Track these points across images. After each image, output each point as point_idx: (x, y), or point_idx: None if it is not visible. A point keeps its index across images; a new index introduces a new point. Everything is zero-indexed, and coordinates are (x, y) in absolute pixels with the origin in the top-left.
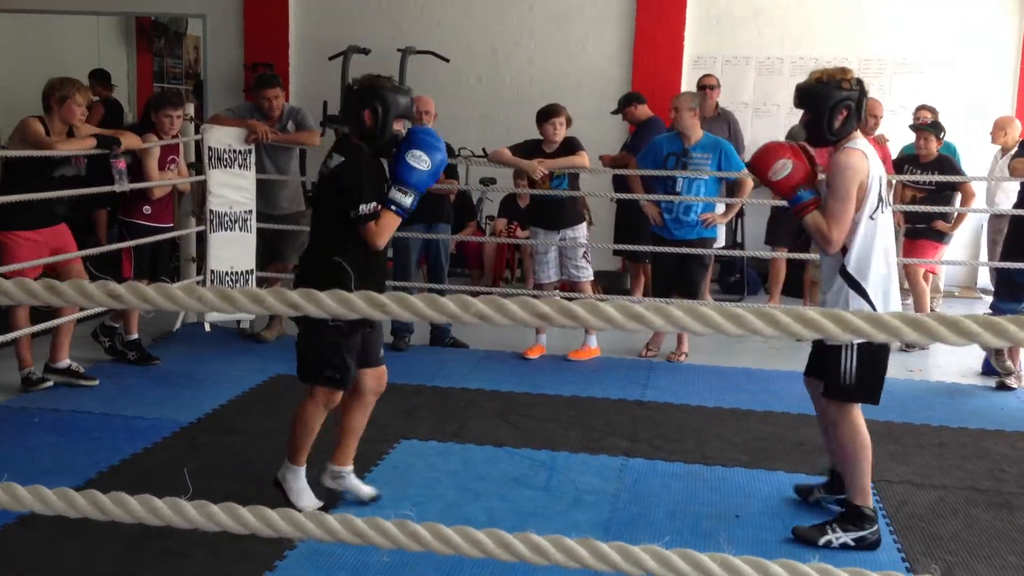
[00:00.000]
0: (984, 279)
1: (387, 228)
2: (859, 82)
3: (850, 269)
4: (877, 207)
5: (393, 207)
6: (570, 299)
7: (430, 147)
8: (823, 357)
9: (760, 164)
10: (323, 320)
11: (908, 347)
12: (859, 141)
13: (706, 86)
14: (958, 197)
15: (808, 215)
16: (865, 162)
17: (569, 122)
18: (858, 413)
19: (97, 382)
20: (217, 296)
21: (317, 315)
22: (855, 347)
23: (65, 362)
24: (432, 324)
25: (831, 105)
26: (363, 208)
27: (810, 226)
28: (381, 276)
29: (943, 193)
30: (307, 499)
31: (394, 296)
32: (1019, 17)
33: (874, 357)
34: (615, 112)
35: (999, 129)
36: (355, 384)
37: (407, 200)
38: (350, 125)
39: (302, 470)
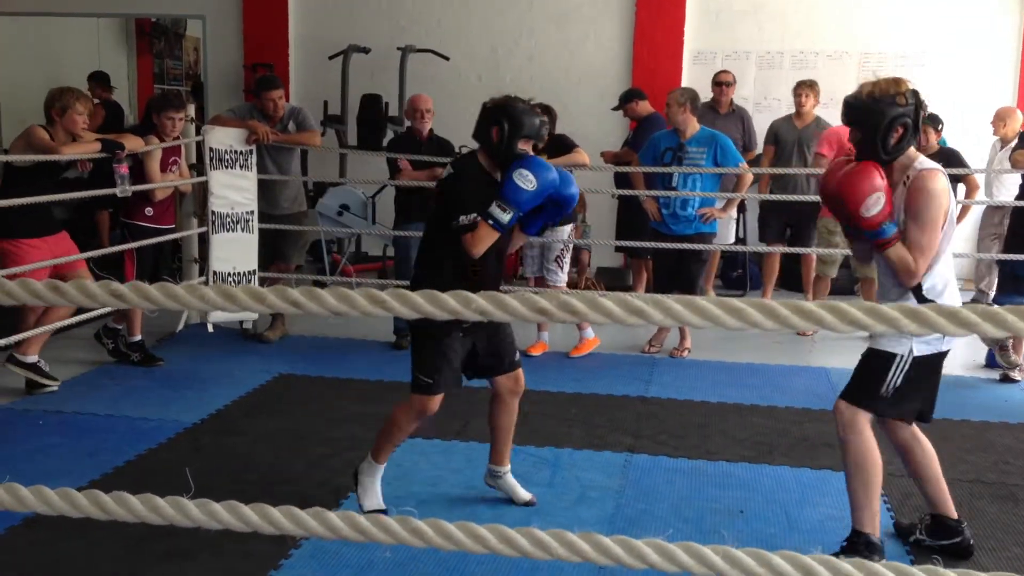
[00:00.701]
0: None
1: (480, 240)
2: (915, 94)
3: (927, 294)
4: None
5: (490, 221)
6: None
7: (541, 168)
8: (866, 361)
9: (850, 196)
10: (422, 327)
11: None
12: (925, 160)
13: (722, 83)
14: (960, 189)
15: (891, 249)
16: (947, 184)
17: (554, 120)
18: (868, 424)
19: (57, 386)
20: (219, 294)
21: (317, 312)
22: (910, 361)
23: (33, 357)
24: None
25: (885, 123)
26: (462, 219)
27: (894, 261)
28: (489, 283)
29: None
30: (371, 499)
31: (394, 293)
32: (1019, 12)
33: (923, 375)
34: (616, 108)
35: (999, 119)
36: (494, 388)
37: (505, 216)
38: (479, 140)
39: (380, 468)
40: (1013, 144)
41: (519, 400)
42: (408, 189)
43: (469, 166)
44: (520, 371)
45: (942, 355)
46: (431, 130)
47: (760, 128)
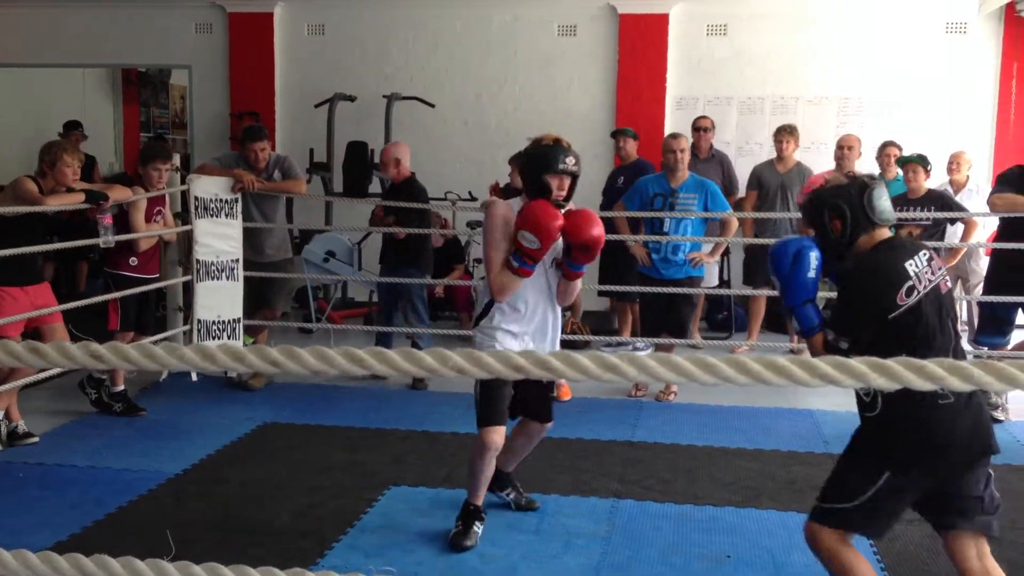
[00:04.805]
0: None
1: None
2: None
3: None
4: None
5: (515, 263)
6: None
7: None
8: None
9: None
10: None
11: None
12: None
13: (700, 128)
14: (956, 230)
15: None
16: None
17: None
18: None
19: (38, 438)
20: (198, 354)
21: (296, 371)
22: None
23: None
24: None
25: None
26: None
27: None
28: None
29: (939, 228)
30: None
31: (372, 351)
32: (996, 57)
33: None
34: (613, 135)
35: (954, 163)
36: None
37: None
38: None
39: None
40: (969, 188)
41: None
42: (384, 236)
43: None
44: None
45: None
46: (406, 177)
47: (742, 172)
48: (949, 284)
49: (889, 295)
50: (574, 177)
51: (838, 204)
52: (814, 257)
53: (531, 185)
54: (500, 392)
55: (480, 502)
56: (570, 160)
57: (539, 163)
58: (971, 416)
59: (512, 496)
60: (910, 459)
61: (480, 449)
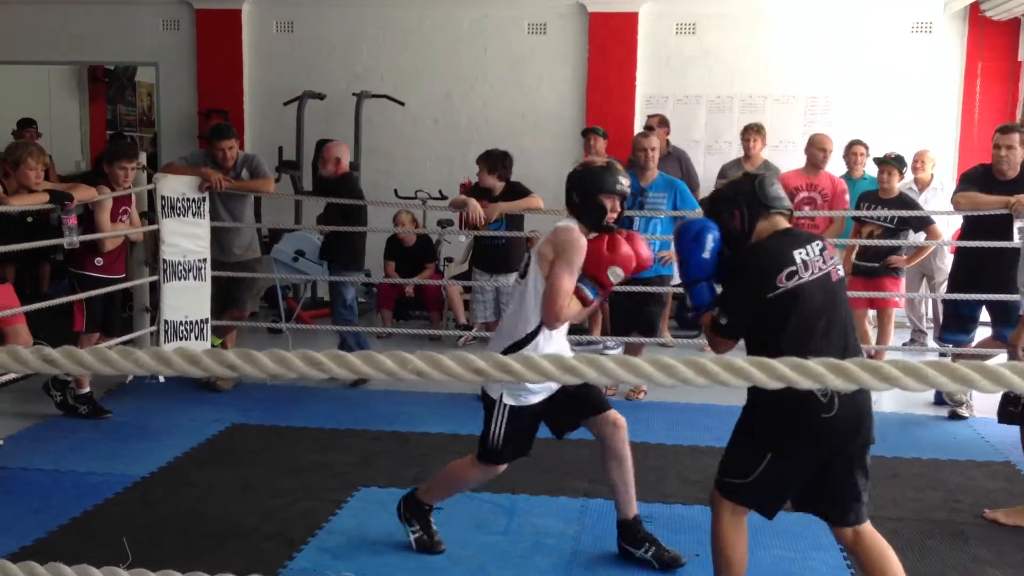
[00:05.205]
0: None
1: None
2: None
3: None
4: None
5: (590, 295)
6: None
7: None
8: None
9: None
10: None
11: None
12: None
13: (650, 126)
14: (919, 237)
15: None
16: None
17: (495, 168)
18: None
19: (2, 441)
20: (153, 358)
21: (254, 375)
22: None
23: None
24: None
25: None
26: None
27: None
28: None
29: (902, 230)
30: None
31: (331, 354)
32: (961, 58)
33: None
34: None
35: (919, 161)
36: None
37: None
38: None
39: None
40: (934, 186)
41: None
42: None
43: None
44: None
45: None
46: (344, 173)
47: (711, 170)
48: (840, 274)
49: (768, 277)
50: (623, 197)
51: (734, 197)
52: (711, 239)
53: (584, 205)
54: (531, 429)
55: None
56: (624, 181)
57: (594, 183)
58: (854, 405)
59: (652, 552)
60: (791, 443)
61: (479, 474)
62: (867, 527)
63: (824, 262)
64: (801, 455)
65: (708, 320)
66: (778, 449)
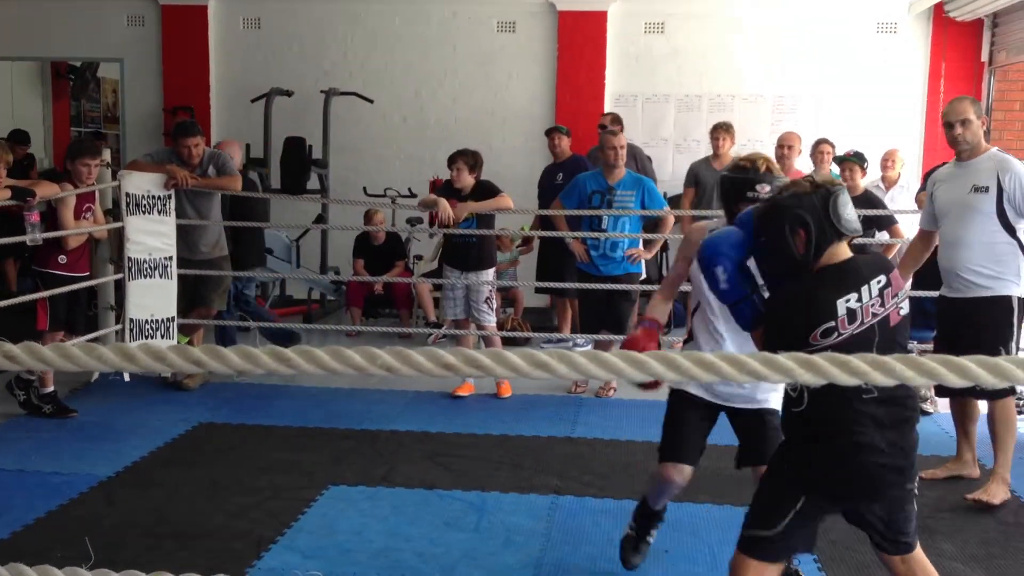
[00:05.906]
0: None
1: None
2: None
3: None
4: None
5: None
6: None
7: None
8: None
9: None
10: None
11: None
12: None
13: (604, 124)
14: (883, 236)
15: None
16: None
17: (475, 167)
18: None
19: None
20: (117, 354)
21: (220, 371)
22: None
23: None
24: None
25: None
26: None
27: None
28: None
29: (869, 230)
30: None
31: (299, 350)
32: (925, 57)
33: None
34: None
35: (889, 160)
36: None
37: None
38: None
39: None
40: (900, 185)
41: None
42: None
43: None
44: (915, 554)
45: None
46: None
47: (680, 169)
48: (903, 312)
49: (799, 335)
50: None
51: (799, 215)
52: (720, 271)
53: (733, 207)
54: (685, 417)
55: (657, 507)
56: (766, 187)
57: (740, 187)
58: (894, 427)
59: (631, 534)
60: (825, 478)
61: (653, 481)
62: (917, 553)
63: (883, 303)
64: (840, 501)
65: (760, 336)
66: (812, 490)
